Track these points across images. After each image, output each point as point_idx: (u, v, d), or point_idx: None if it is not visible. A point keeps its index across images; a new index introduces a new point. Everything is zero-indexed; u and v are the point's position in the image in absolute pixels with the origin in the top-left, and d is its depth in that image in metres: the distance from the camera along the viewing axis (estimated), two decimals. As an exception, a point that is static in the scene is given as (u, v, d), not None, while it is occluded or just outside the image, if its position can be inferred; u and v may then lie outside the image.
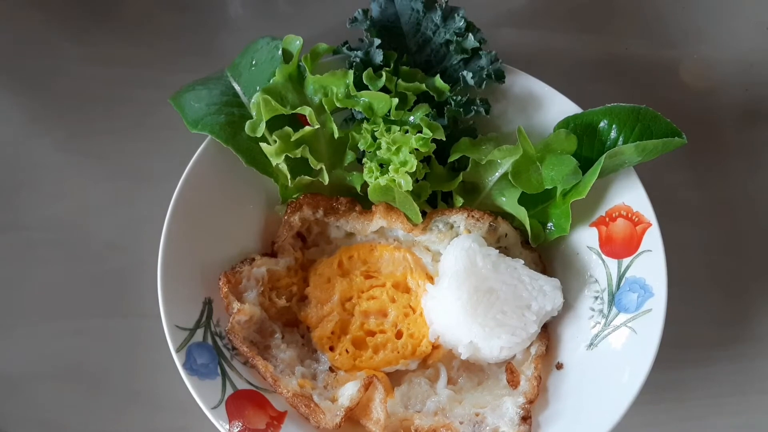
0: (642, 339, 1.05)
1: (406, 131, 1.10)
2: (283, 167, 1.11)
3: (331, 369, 1.12)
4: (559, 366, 1.11)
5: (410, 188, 1.09)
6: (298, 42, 1.13)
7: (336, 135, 1.12)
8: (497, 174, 1.13)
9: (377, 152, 1.10)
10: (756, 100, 1.43)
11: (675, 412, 1.23)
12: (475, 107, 1.15)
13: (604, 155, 1.06)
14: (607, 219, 1.13)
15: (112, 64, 1.37)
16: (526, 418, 1.04)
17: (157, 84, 1.27)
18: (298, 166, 1.12)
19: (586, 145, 1.12)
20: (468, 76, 1.15)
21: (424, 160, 1.14)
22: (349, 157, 1.14)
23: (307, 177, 1.13)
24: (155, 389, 1.19)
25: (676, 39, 1.47)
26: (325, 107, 1.12)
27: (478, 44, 1.16)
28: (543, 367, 1.10)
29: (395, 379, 1.12)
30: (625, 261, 1.10)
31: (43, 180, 1.31)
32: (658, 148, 1.07)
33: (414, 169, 1.08)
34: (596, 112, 1.11)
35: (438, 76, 1.15)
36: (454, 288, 1.07)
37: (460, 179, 1.14)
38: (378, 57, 1.15)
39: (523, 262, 1.11)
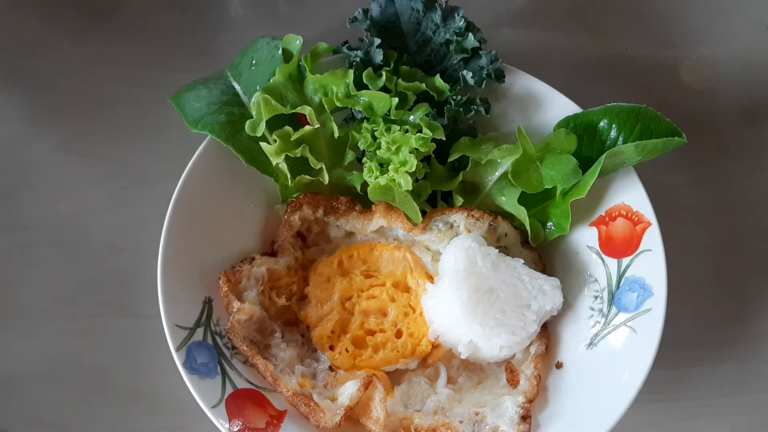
0: (642, 338, 1.05)
1: (406, 131, 1.10)
2: (283, 167, 1.11)
3: (330, 368, 1.12)
4: (559, 365, 1.11)
5: (410, 188, 1.09)
6: (298, 42, 1.13)
7: (336, 134, 1.12)
8: (497, 173, 1.13)
9: (377, 152, 1.10)
10: (756, 100, 1.43)
11: (675, 412, 1.23)
12: (475, 107, 1.15)
13: (604, 155, 1.06)
14: (606, 218, 1.13)
15: (111, 64, 1.37)
16: (525, 418, 1.04)
17: (157, 84, 1.27)
18: (298, 166, 1.13)
19: (586, 144, 1.12)
20: (468, 75, 1.16)
21: (424, 160, 1.14)
22: (349, 156, 1.15)
23: (307, 176, 1.13)
24: (155, 389, 1.19)
25: (675, 39, 1.47)
26: (325, 107, 1.12)
27: (478, 44, 1.16)
28: (543, 367, 1.10)
29: (395, 378, 1.12)
30: (625, 260, 1.10)
31: (43, 180, 1.31)
32: (658, 147, 1.07)
33: (414, 169, 1.08)
34: (596, 111, 1.11)
35: (438, 75, 1.15)
36: (454, 287, 1.07)
37: (460, 179, 1.14)
38: (378, 57, 1.15)
39: (522, 261, 1.12)
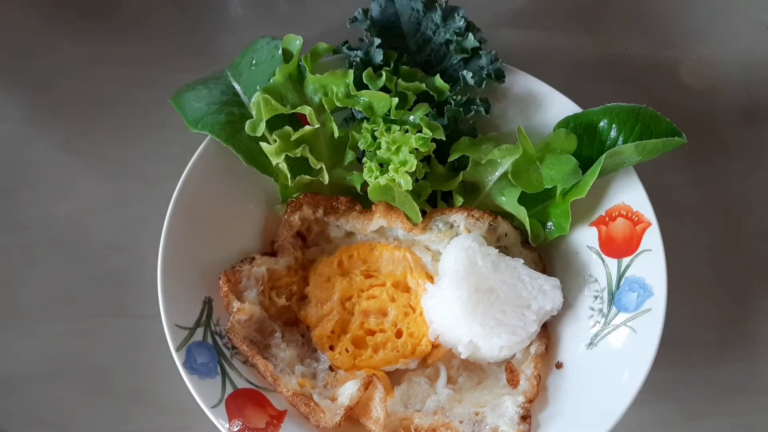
0: (642, 338, 1.05)
1: (406, 131, 1.10)
2: (283, 166, 1.11)
3: (330, 368, 1.12)
4: (559, 365, 1.11)
5: (410, 188, 1.09)
6: (298, 42, 1.13)
7: (336, 134, 1.12)
8: (497, 173, 1.13)
9: (377, 152, 1.10)
10: (756, 100, 1.43)
11: (675, 412, 1.23)
12: (475, 107, 1.15)
13: (604, 155, 1.06)
14: (606, 218, 1.13)
15: (111, 64, 1.37)
16: (525, 418, 1.04)
17: (157, 84, 1.27)
18: (298, 166, 1.13)
19: (586, 144, 1.12)
20: (468, 75, 1.16)
21: (424, 160, 1.14)
22: (349, 156, 1.15)
23: (307, 176, 1.13)
24: (155, 389, 1.19)
25: (675, 39, 1.47)
26: (325, 107, 1.12)
27: (478, 44, 1.16)
28: (543, 367, 1.10)
29: (395, 378, 1.12)
30: (625, 260, 1.10)
31: (43, 180, 1.31)
32: (658, 147, 1.07)
33: (414, 169, 1.08)
34: (596, 111, 1.11)
35: (438, 75, 1.15)
36: (454, 287, 1.07)
37: (460, 179, 1.14)
38: (378, 57, 1.15)
39: (522, 261, 1.12)
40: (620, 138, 1.09)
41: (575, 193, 1.09)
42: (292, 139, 1.10)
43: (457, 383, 1.12)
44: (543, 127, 1.16)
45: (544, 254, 1.19)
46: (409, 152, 1.08)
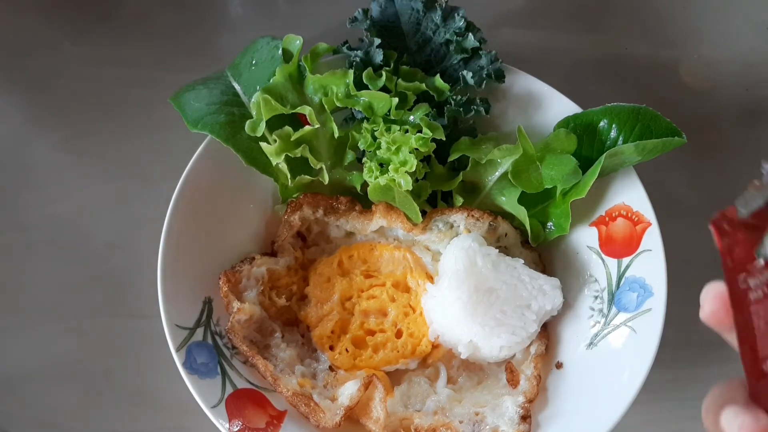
0: (642, 338, 1.05)
1: (406, 131, 1.10)
2: (283, 167, 1.11)
3: (330, 368, 1.12)
4: (559, 365, 1.11)
5: (410, 188, 1.09)
6: (298, 42, 1.13)
7: (336, 134, 1.12)
8: (497, 173, 1.13)
9: (377, 152, 1.10)
10: (756, 100, 1.43)
11: (675, 412, 1.23)
12: (475, 107, 1.15)
13: (604, 155, 1.06)
14: (606, 218, 1.13)
15: (111, 64, 1.37)
16: (525, 418, 1.04)
17: (157, 84, 1.27)
18: (298, 166, 1.12)
19: (586, 144, 1.12)
20: (468, 75, 1.16)
21: (424, 160, 1.14)
22: (349, 156, 1.14)
23: (307, 176, 1.13)
24: (155, 389, 1.19)
25: (676, 39, 1.47)
26: (325, 107, 1.12)
27: (478, 44, 1.16)
28: (543, 367, 1.10)
29: (395, 378, 1.12)
30: (625, 260, 1.10)
31: (43, 180, 1.30)
32: (658, 147, 1.07)
33: (414, 169, 1.08)
34: (596, 111, 1.11)
35: (438, 75, 1.15)
36: (454, 287, 1.06)
37: (460, 179, 1.14)
38: (378, 57, 1.15)
39: (522, 261, 1.11)
40: (620, 138, 1.09)
41: (575, 193, 1.09)
42: (292, 139, 1.09)
43: (457, 383, 1.12)
44: (543, 127, 1.16)
45: (544, 254, 1.19)
46: (409, 152, 1.08)
